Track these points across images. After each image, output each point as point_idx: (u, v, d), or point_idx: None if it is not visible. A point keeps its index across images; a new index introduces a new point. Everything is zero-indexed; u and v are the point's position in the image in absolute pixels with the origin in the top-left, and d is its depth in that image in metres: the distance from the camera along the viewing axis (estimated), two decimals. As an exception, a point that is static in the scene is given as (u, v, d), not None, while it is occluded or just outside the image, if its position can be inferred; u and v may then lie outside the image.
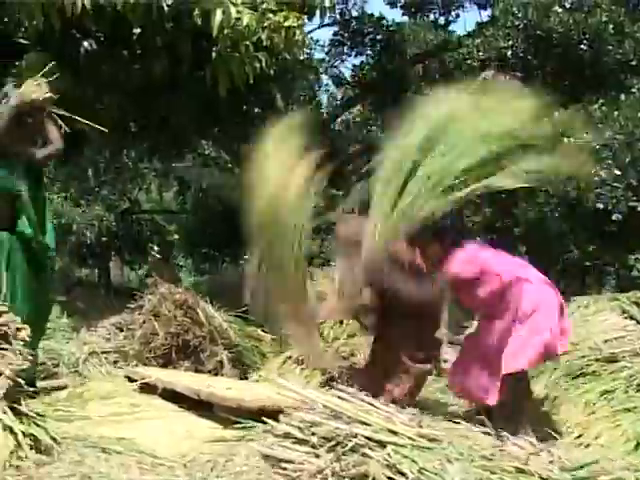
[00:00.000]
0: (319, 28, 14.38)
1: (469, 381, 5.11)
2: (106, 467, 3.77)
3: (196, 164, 18.38)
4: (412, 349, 5.91)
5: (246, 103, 9.08)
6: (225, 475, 3.76)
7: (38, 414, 4.06)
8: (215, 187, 18.44)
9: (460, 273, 4.81)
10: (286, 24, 8.31)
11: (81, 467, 3.74)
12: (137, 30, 7.68)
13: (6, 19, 7.93)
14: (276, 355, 8.03)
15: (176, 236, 21.19)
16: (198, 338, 7.30)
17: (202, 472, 3.80)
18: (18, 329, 4.00)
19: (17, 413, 3.84)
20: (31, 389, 4.22)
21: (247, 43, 8.17)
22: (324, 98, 16.53)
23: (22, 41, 8.07)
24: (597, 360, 5.60)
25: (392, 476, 2.91)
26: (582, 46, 13.77)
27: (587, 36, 13.77)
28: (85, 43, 7.56)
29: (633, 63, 14.12)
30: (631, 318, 6.61)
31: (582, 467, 3.14)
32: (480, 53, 14.40)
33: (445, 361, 8.10)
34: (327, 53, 15.72)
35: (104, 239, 18.33)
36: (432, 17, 15.78)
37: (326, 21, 13.02)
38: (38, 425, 3.92)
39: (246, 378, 7.59)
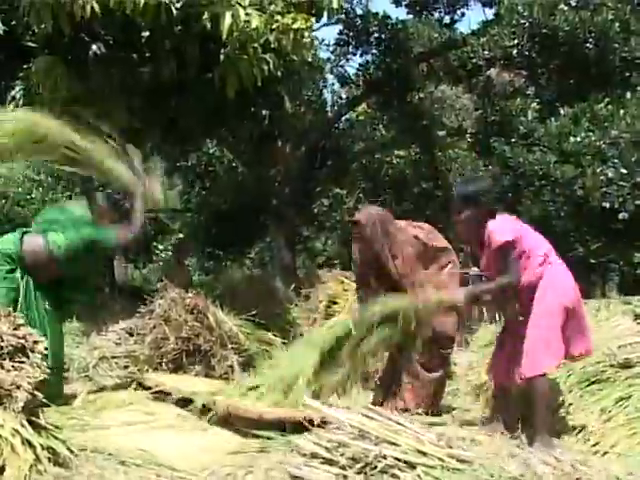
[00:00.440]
0: (323, 27, 14.35)
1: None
2: (126, 480, 3.76)
3: (201, 163, 18.33)
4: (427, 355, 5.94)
5: (254, 105, 9.04)
6: (246, 489, 3.75)
7: (55, 426, 4.04)
8: (220, 186, 18.42)
9: (504, 238, 4.73)
10: (294, 26, 8.29)
11: (100, 481, 3.74)
12: (146, 33, 7.65)
13: (14, 22, 7.89)
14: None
15: (181, 235, 21.17)
16: (209, 343, 7.27)
17: (222, 486, 3.79)
18: (35, 342, 3.99)
19: (35, 426, 3.82)
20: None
21: (255, 45, 8.15)
22: (329, 97, 16.50)
23: (30, 44, 8.04)
24: (611, 366, 5.56)
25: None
26: (588, 44, 13.76)
27: (593, 34, 13.76)
28: (94, 46, 7.54)
29: (639, 61, 14.10)
30: (644, 322, 6.59)
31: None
32: (485, 52, 14.40)
33: (455, 364, 8.12)
34: (332, 52, 15.71)
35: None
36: (437, 16, 15.75)
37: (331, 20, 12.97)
38: (56, 438, 3.91)
39: (256, 381, 7.60)
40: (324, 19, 9.39)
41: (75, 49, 7.54)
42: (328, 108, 16.35)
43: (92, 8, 6.94)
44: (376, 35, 14.62)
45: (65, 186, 18.88)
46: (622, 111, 12.99)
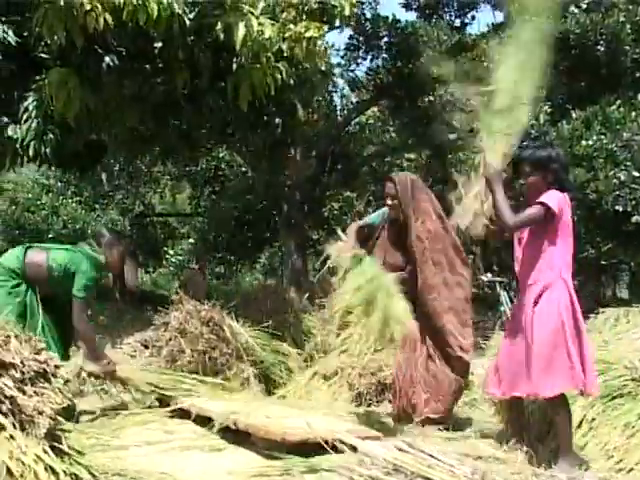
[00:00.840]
0: (331, 30, 14.29)
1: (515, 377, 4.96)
2: (149, 506, 3.74)
3: (210, 167, 18.33)
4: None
5: (267, 113, 9.01)
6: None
7: (77, 451, 4.01)
8: (229, 190, 18.42)
9: (551, 203, 4.65)
10: (307, 35, 8.25)
11: (124, 507, 3.72)
12: (159, 44, 7.63)
13: (26, 33, 7.86)
14: (302, 370, 8.00)
15: (191, 240, 21.19)
16: (225, 355, 7.24)
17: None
18: (57, 366, 3.96)
19: (57, 451, 3.80)
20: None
21: (268, 54, 8.11)
22: (338, 101, 16.46)
23: (42, 55, 8.02)
24: (633, 380, 5.48)
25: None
26: (599, 47, 13.67)
27: (604, 36, 13.67)
28: (107, 58, 7.51)
29: (650, 63, 14.05)
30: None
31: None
32: (496, 56, 14.30)
33: (472, 373, 8.07)
34: (342, 57, 15.67)
35: (119, 244, 18.27)
36: (447, 19, 15.67)
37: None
38: (79, 463, 3.87)
39: (273, 393, 7.57)
40: (339, 29, 9.36)
41: (88, 61, 7.50)
42: (338, 112, 16.29)
43: (105, 20, 6.92)
44: (386, 39, 14.59)
45: (74, 192, 18.91)
46: (634, 113, 12.91)
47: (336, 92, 15.77)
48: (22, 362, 3.84)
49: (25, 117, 7.87)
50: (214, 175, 18.29)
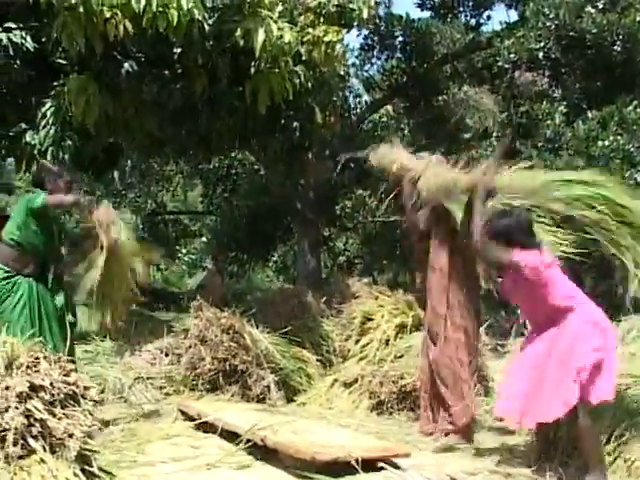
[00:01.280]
0: (348, 32, 14.24)
1: (530, 402, 4.93)
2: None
3: (222, 165, 18.26)
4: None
5: (284, 117, 8.96)
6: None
7: (106, 471, 3.99)
8: (242, 188, 18.37)
9: (530, 266, 4.70)
10: (326, 39, 8.21)
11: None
12: (177, 50, 7.59)
13: (44, 39, 7.82)
14: (322, 377, 7.98)
15: (204, 238, 21.16)
16: (245, 363, 7.22)
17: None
18: (86, 388, 3.93)
19: (88, 474, 3.77)
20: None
21: (287, 59, 8.07)
22: (352, 101, 16.35)
23: (60, 61, 7.99)
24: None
25: None
26: (615, 47, 13.55)
27: (620, 36, 13.54)
28: (126, 64, 7.48)
29: (667, 63, 13.92)
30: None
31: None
32: (511, 54, 14.21)
33: (493, 379, 8.04)
34: (357, 57, 15.62)
35: (131, 242, 18.25)
36: (463, 19, 15.57)
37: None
38: (109, 485, 3.86)
39: (293, 400, 7.55)
40: (357, 32, 9.31)
41: (107, 67, 7.48)
42: (351, 112, 16.22)
43: (125, 27, 6.89)
44: (400, 39, 14.52)
45: (86, 190, 18.86)
46: (650, 113, 12.84)
47: (351, 92, 15.69)
48: (52, 384, 3.82)
49: (43, 123, 7.85)
50: (227, 173, 18.21)
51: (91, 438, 3.84)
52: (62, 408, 3.81)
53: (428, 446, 5.57)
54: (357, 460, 4.33)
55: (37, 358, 3.89)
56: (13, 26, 7.56)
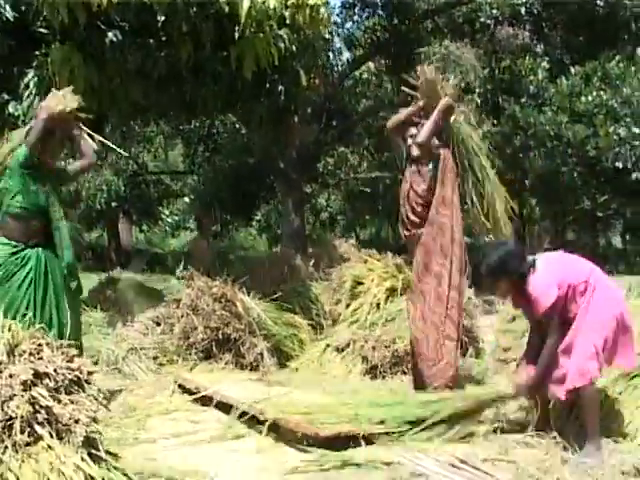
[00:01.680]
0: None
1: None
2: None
3: (203, 125, 18.11)
4: None
5: (270, 82, 8.88)
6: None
7: (113, 454, 4.01)
8: (224, 148, 18.28)
9: (548, 303, 4.72)
10: (310, 2, 8.11)
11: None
12: (161, 18, 7.47)
13: (23, 8, 7.68)
14: (314, 342, 8.03)
15: (186, 199, 21.08)
16: (238, 331, 7.26)
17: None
18: (90, 372, 3.94)
19: (94, 457, 3.80)
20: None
21: (271, 23, 7.98)
22: (333, 59, 16.15)
23: (41, 30, 7.85)
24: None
25: None
26: (597, 1, 13.55)
27: (603, -10, 13.55)
28: (110, 34, 7.36)
29: (650, 16, 13.94)
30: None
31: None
32: (493, 10, 14.17)
33: (483, 340, 8.12)
34: (338, 15, 15.45)
35: (114, 204, 18.20)
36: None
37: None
38: (116, 468, 3.88)
39: (286, 366, 7.61)
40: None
41: (91, 37, 7.35)
42: (333, 70, 16.07)
43: (109, -3, 6.78)
44: (382, -4, 14.36)
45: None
46: (633, 69, 12.87)
47: (332, 51, 15.52)
48: (55, 371, 3.82)
49: (26, 94, 7.74)
50: (208, 133, 18.08)
51: (96, 422, 3.86)
52: (67, 394, 3.81)
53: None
54: (359, 434, 4.40)
55: (40, 345, 3.89)
56: (-9, -5, 7.43)
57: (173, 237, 23.08)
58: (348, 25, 15.76)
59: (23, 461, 3.61)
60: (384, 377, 7.17)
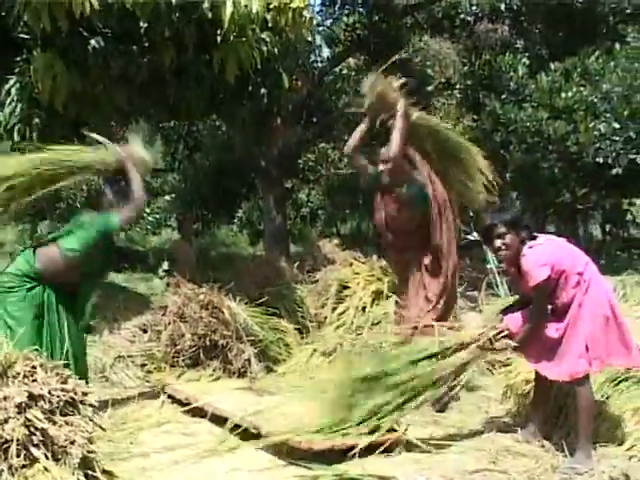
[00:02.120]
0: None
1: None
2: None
3: (183, 123, 18.00)
4: None
5: (252, 85, 8.86)
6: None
7: (108, 472, 4.03)
8: (204, 145, 18.20)
9: (540, 278, 4.79)
10: (292, 5, 8.10)
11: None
12: (144, 24, 7.43)
13: (4, 13, 7.61)
14: (301, 346, 8.05)
15: (167, 197, 20.94)
16: (225, 338, 7.26)
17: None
18: (84, 393, 3.95)
19: (90, 479, 3.82)
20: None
21: (254, 27, 7.97)
22: (313, 57, 16.08)
23: (23, 36, 7.78)
24: (640, 364, 5.56)
25: None
26: (577, -5, 13.60)
27: (581, -15, 13.60)
28: (92, 41, 7.31)
29: (628, 11, 13.99)
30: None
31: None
32: (473, 6, 14.19)
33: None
34: (319, 13, 15.39)
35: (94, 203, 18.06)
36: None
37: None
38: (111, 487, 3.90)
39: (273, 371, 7.62)
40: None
41: (73, 44, 7.29)
42: (313, 67, 16.02)
43: (90, 3, 6.72)
44: (362, -7, 14.31)
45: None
46: (612, 64, 12.90)
47: (314, 51, 15.48)
48: (50, 392, 3.83)
49: (8, 101, 7.68)
50: (188, 131, 17.97)
51: (92, 443, 3.87)
52: (62, 416, 3.83)
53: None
54: (352, 447, 4.43)
55: (34, 367, 3.89)
56: (-30, 1, 7.36)
57: (154, 235, 22.88)
58: (328, 22, 15.69)
59: (20, 484, 3.63)
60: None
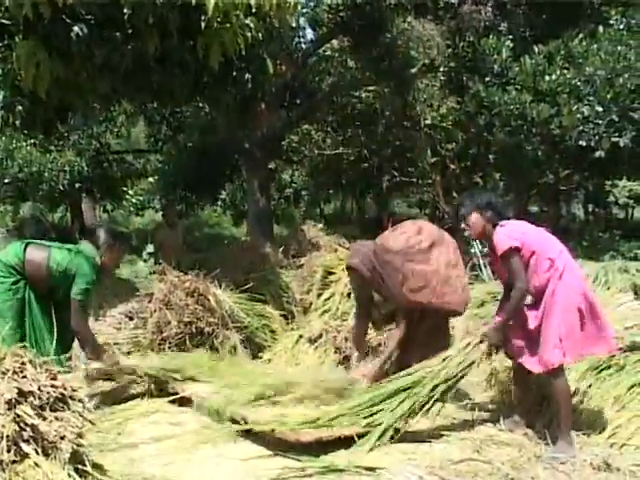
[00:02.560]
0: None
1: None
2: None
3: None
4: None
5: (236, 70, 8.83)
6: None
7: (98, 466, 4.06)
8: (187, 126, 18.14)
9: (507, 246, 4.89)
10: (277, -10, 8.07)
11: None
12: (128, 11, 7.38)
13: (-17, -1, 7.54)
14: (286, 332, 8.09)
15: (150, 179, 20.90)
16: (211, 325, 7.30)
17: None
18: (74, 389, 3.97)
19: (81, 472, 3.85)
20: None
21: (238, 12, 7.93)
22: (296, 38, 16.00)
23: (4, 21, 7.71)
24: (620, 349, 5.65)
25: None
26: (561, -23, 13.60)
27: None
28: (75, 28, 7.25)
29: (611, -6, 14.03)
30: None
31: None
32: (457, -11, 14.18)
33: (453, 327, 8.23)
34: (301, -5, 15.30)
35: (77, 185, 18.00)
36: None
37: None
38: (101, 481, 3.93)
39: (259, 357, 7.67)
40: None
41: (56, 31, 7.23)
42: (296, 49, 15.96)
43: (74, -9, 6.68)
44: (345, -27, 14.23)
45: (28, 134, 18.46)
46: (596, 47, 12.95)
47: (298, 34, 15.42)
48: (39, 388, 3.85)
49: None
50: (171, 112, 17.90)
51: (82, 437, 3.89)
52: (52, 411, 3.84)
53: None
54: (340, 438, 4.48)
55: (23, 363, 3.90)
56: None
57: (137, 216, 22.90)
58: (311, 4, 15.60)
59: (10, 479, 3.66)
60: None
